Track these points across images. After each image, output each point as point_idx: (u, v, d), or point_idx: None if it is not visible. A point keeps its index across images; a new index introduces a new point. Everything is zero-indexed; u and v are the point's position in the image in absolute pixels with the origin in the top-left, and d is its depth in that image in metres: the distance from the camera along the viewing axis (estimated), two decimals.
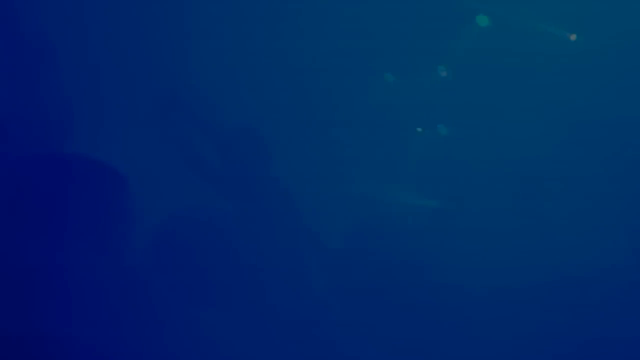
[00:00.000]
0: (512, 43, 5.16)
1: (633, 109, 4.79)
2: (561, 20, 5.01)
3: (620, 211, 4.43)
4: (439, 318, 4.10)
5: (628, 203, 4.54)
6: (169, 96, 4.65)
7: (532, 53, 5.13)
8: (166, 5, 5.03)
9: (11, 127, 3.98)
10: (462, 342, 4.01)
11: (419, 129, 5.58)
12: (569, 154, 4.66)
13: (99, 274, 1.97)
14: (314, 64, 5.30)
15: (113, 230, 2.03)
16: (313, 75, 5.30)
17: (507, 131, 5.04)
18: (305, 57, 5.27)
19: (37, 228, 1.96)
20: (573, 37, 4.99)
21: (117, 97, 4.78)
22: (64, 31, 4.62)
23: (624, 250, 4.35)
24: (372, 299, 3.89)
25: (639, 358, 3.62)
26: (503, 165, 4.86)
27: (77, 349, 1.85)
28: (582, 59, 4.96)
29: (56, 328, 1.89)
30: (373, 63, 5.45)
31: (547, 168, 4.72)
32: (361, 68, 5.39)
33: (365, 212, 4.93)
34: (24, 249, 1.96)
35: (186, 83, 4.81)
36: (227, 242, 3.75)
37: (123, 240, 2.04)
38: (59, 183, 2.04)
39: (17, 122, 4.02)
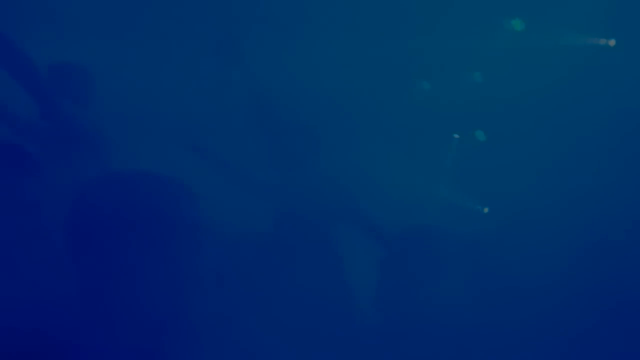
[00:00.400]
0: (549, 47, 5.16)
1: None
2: (600, 25, 4.99)
3: None
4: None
5: None
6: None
7: (570, 57, 5.13)
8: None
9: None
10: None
11: (456, 135, 5.61)
12: (610, 158, 4.65)
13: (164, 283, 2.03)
14: (349, 75, 5.36)
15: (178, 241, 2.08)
16: (344, 87, 5.37)
17: (546, 135, 5.05)
18: (343, 67, 5.34)
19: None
20: (612, 42, 4.97)
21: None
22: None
23: None
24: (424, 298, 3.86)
25: None
26: (544, 170, 4.87)
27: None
28: (622, 64, 4.94)
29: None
30: (409, 71, 5.50)
31: (588, 171, 4.72)
32: (398, 76, 5.44)
33: (410, 214, 4.97)
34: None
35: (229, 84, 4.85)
36: (284, 245, 3.78)
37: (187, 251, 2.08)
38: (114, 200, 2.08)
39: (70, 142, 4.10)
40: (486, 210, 5.08)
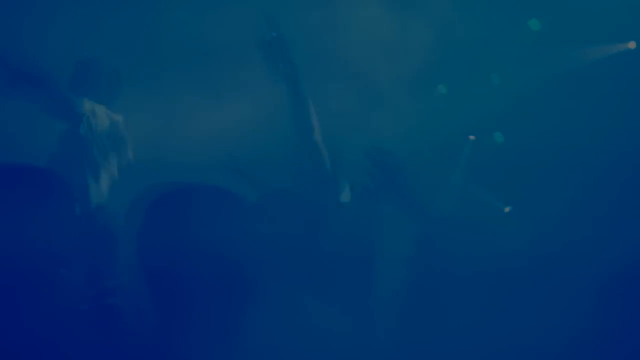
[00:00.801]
0: (566, 47, 5.17)
1: None
2: (619, 26, 4.98)
3: None
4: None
5: None
6: None
7: (588, 57, 5.15)
8: None
9: None
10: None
11: (472, 137, 5.64)
12: (631, 159, 4.66)
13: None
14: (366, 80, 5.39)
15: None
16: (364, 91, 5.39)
17: (565, 136, 5.08)
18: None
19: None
20: (632, 45, 5.00)
21: None
22: None
23: None
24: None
25: None
26: (563, 171, 4.88)
27: None
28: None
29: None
30: (426, 75, 5.50)
31: (607, 174, 4.73)
32: (415, 81, 5.44)
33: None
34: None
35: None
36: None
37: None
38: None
39: None
40: (507, 209, 5.11)
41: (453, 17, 5.32)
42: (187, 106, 4.78)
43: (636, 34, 5.04)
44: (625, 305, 3.98)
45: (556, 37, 5.24)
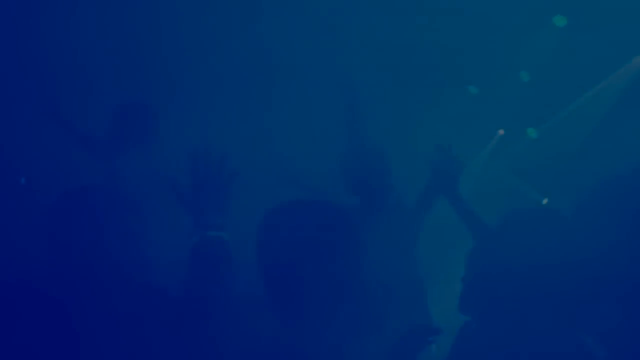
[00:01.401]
0: (593, 42, 5.12)
1: None
2: None
3: None
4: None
5: None
6: None
7: (614, 52, 5.20)
8: None
9: None
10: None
11: (501, 131, 5.71)
12: None
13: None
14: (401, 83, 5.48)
15: None
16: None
17: (597, 132, 5.14)
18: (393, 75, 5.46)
19: None
20: None
21: None
22: None
23: None
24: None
25: None
26: (593, 166, 4.92)
27: None
28: None
29: None
30: (457, 75, 5.57)
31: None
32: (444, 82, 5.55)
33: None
34: None
35: None
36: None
37: None
38: None
39: None
40: (545, 201, 5.21)
41: (477, 17, 5.37)
42: (234, 118, 4.85)
43: None
44: None
45: (582, 31, 5.22)
